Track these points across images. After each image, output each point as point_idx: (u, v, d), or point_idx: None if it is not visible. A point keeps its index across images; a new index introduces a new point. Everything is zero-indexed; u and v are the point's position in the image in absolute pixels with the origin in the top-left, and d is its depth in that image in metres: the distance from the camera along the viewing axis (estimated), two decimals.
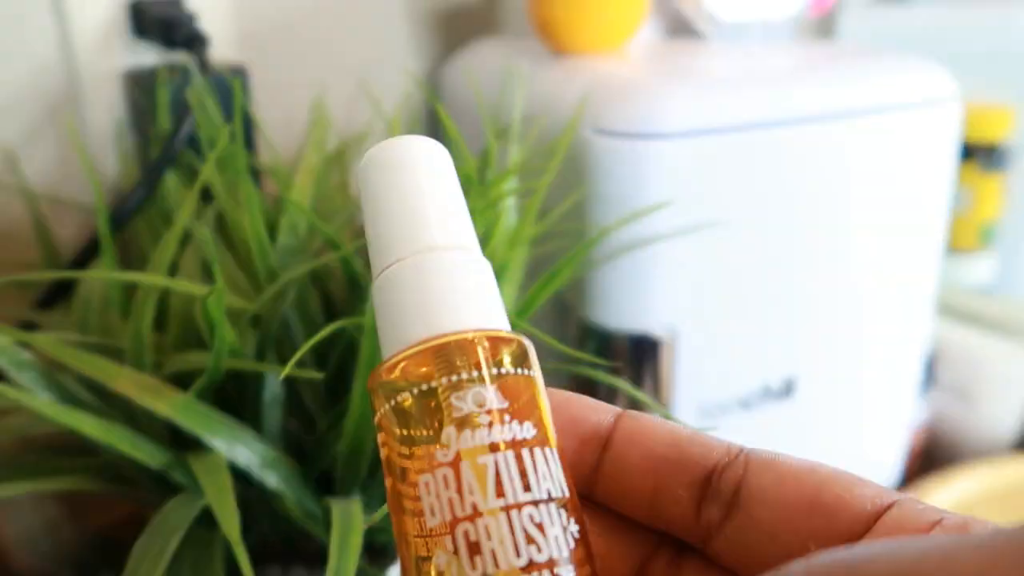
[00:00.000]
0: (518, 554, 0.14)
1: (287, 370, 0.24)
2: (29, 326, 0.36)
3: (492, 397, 0.15)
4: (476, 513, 0.15)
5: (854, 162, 0.40)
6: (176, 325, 0.32)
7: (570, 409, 0.17)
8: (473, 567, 0.14)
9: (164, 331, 0.32)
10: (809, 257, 0.40)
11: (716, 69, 0.40)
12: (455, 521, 0.15)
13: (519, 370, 0.16)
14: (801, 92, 0.38)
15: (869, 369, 0.45)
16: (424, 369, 0.16)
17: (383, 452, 0.16)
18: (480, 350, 0.16)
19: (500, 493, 0.15)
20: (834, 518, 0.15)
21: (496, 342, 0.16)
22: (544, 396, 0.17)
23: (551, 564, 0.14)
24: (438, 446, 0.15)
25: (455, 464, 0.15)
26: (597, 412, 0.17)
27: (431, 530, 0.15)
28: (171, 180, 0.37)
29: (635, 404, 0.37)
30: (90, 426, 0.27)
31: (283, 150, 0.42)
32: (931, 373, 0.53)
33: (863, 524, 0.15)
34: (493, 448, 0.15)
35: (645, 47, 0.45)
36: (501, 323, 0.17)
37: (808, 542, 0.15)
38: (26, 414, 0.30)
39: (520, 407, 0.16)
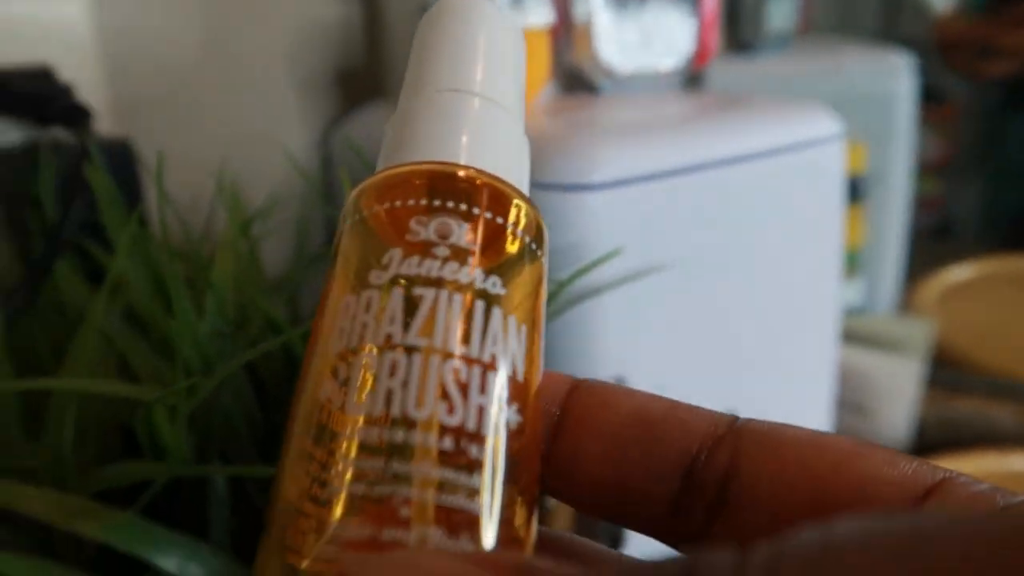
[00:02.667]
0: (420, 404, 0.11)
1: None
2: None
3: (460, 233, 0.13)
4: (388, 344, 0.12)
5: (759, 200, 0.42)
6: (95, 436, 0.28)
7: None
8: (359, 401, 0.11)
9: (82, 444, 0.28)
10: (731, 293, 0.42)
11: (626, 121, 0.41)
12: (359, 349, 0.12)
13: (522, 235, 0.14)
14: (711, 139, 0.39)
15: (792, 395, 0.47)
16: (403, 193, 0.13)
17: (325, 282, 0.13)
18: (477, 191, 0.13)
19: (426, 332, 0.12)
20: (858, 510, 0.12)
21: (502, 195, 0.14)
22: (544, 289, 0.14)
23: (459, 433, 0.11)
24: (377, 267, 0.13)
25: (385, 288, 0.12)
26: (547, 382, 0.14)
27: (331, 356, 0.12)
28: (63, 271, 0.33)
29: None
30: (5, 564, 0.23)
31: (178, 228, 0.39)
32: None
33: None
34: (435, 283, 0.12)
35: (547, 103, 0.46)
36: (519, 184, 0.14)
37: None
38: None
39: (495, 262, 0.13)
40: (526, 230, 0.14)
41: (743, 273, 0.42)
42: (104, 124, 0.42)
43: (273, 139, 0.51)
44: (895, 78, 0.69)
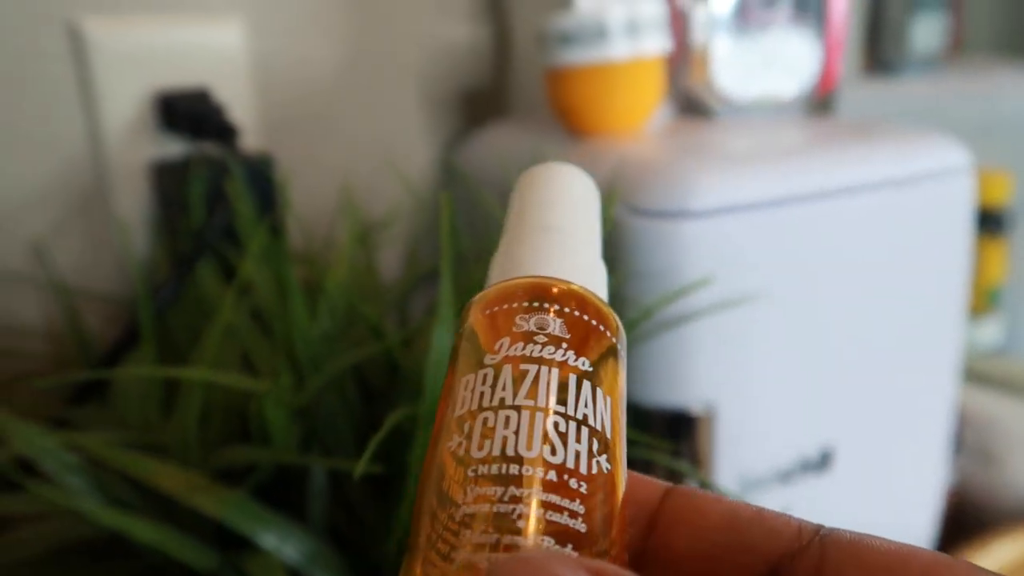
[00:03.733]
0: (530, 448, 0.14)
1: (362, 466, 0.23)
2: (62, 423, 0.35)
3: (556, 326, 0.16)
4: (501, 405, 0.14)
5: (876, 233, 0.40)
6: (219, 420, 0.31)
7: None
8: (480, 448, 0.14)
9: (206, 426, 0.31)
10: (838, 327, 0.41)
11: (736, 148, 0.41)
12: (479, 410, 0.15)
13: (599, 326, 0.16)
14: (822, 168, 0.39)
15: (901, 435, 0.45)
16: (510, 298, 0.16)
17: (448, 374, 0.16)
18: (568, 296, 0.17)
19: (531, 395, 0.15)
20: None
21: (589, 302, 0.17)
22: (622, 374, 0.17)
23: (562, 470, 0.14)
24: (489, 352, 0.15)
25: (497, 366, 0.15)
26: (643, 488, 0.15)
27: (455, 419, 0.15)
28: (204, 271, 0.37)
29: (674, 477, 0.37)
30: (140, 529, 0.26)
31: (309, 235, 0.42)
32: (956, 437, 0.53)
33: None
34: (537, 360, 0.15)
35: (660, 127, 0.46)
36: (603, 296, 0.18)
37: None
38: (66, 517, 0.29)
39: (583, 347, 0.16)
40: (608, 328, 0.17)
41: (853, 307, 0.41)
42: (252, 139, 0.47)
43: (399, 154, 0.54)
44: None
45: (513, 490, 0.13)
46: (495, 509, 0.13)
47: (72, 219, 0.42)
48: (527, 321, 0.16)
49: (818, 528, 0.14)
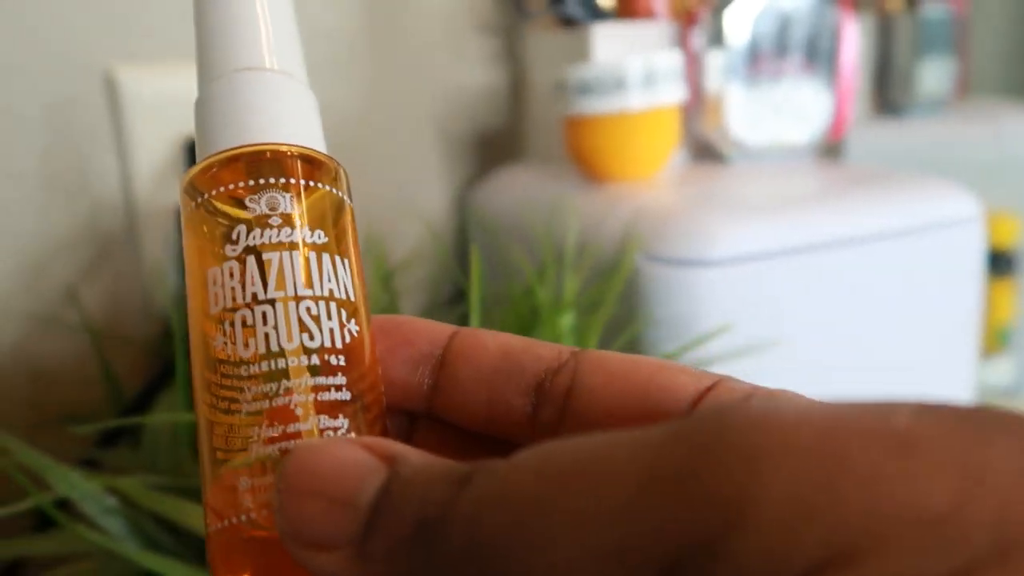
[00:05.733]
0: (290, 339, 0.15)
1: None
2: (92, 464, 0.36)
3: (285, 202, 0.17)
4: (254, 301, 0.16)
5: (889, 279, 0.41)
6: None
7: (404, 331, 0.18)
8: (246, 347, 0.16)
9: None
10: (853, 371, 0.41)
11: (752, 197, 0.42)
12: (234, 307, 0.16)
13: (325, 187, 0.17)
14: (836, 218, 0.40)
15: None
16: (234, 175, 0.17)
17: (185, 254, 0.17)
18: (288, 163, 0.17)
19: (280, 286, 0.16)
20: (660, 409, 0.15)
21: (307, 159, 0.17)
22: (352, 219, 0.18)
23: (322, 351, 0.16)
24: (229, 243, 0.16)
25: (241, 258, 0.16)
26: (432, 332, 0.18)
27: (213, 316, 0.16)
28: None
29: None
30: (178, 573, 0.27)
31: None
32: None
33: (684, 413, 0.15)
34: (278, 247, 0.16)
35: (675, 172, 0.48)
36: (316, 144, 0.18)
37: None
38: (101, 558, 0.29)
39: (315, 216, 0.17)
40: (331, 183, 0.18)
41: (867, 352, 0.42)
42: None
43: (417, 196, 0.55)
44: None
45: (285, 383, 0.15)
46: (274, 404, 0.15)
47: (100, 263, 0.43)
48: (258, 203, 0.16)
49: (574, 349, 0.17)
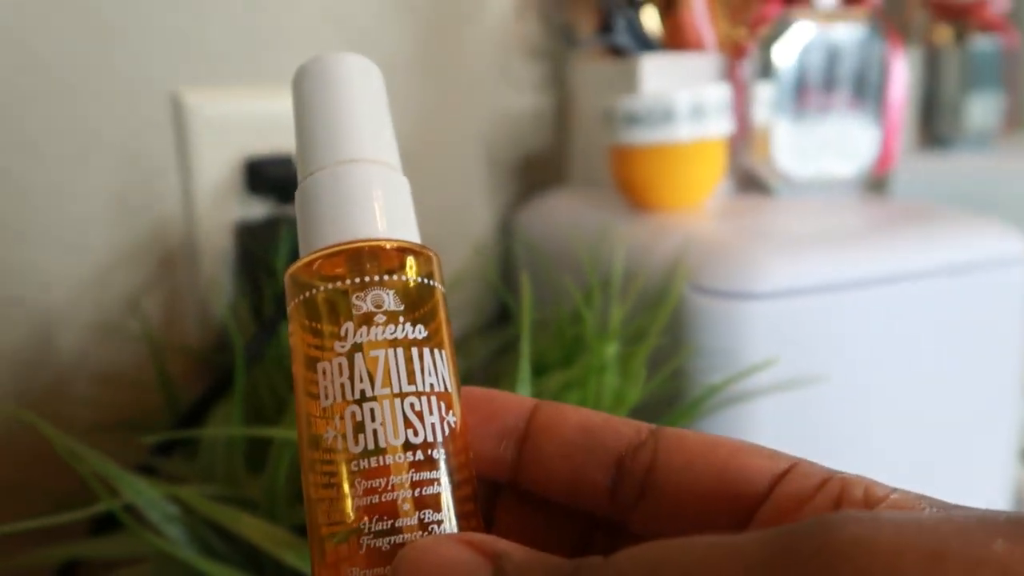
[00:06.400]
0: (396, 435, 0.17)
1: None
2: (148, 470, 0.37)
3: (390, 300, 0.17)
4: (364, 398, 0.17)
5: (934, 316, 0.41)
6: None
7: (493, 406, 0.19)
8: (356, 443, 0.16)
9: (292, 482, 0.33)
10: (897, 408, 0.41)
11: (799, 231, 0.43)
12: (345, 403, 0.17)
13: (422, 279, 0.18)
14: (882, 255, 0.40)
15: None
16: (337, 270, 0.18)
17: (292, 340, 0.18)
18: (387, 257, 0.18)
19: (386, 383, 0.17)
20: (737, 491, 0.16)
21: (404, 252, 0.18)
22: (444, 305, 0.19)
23: (424, 447, 0.17)
24: (337, 339, 0.17)
25: (350, 355, 0.17)
26: (517, 406, 0.19)
27: (324, 410, 0.17)
28: (285, 329, 0.39)
29: None
30: None
31: None
32: None
33: (760, 496, 0.15)
34: (383, 344, 0.17)
35: (721, 203, 0.48)
36: (411, 235, 0.19)
37: (717, 518, 0.16)
38: (159, 562, 0.31)
39: (417, 312, 0.18)
40: (425, 273, 0.18)
41: (912, 389, 0.42)
42: None
43: (464, 218, 0.56)
44: None
45: (393, 479, 0.16)
46: (383, 499, 0.16)
47: (160, 275, 0.45)
48: (364, 301, 0.17)
49: (652, 428, 0.17)
